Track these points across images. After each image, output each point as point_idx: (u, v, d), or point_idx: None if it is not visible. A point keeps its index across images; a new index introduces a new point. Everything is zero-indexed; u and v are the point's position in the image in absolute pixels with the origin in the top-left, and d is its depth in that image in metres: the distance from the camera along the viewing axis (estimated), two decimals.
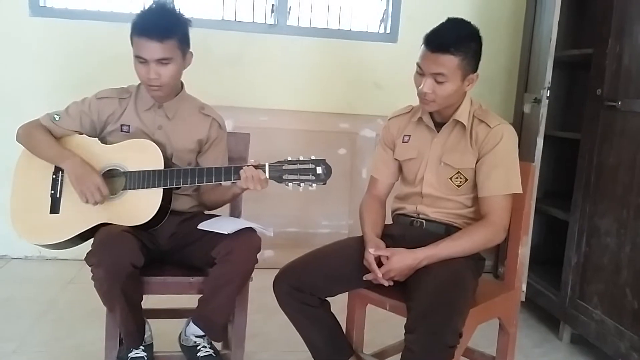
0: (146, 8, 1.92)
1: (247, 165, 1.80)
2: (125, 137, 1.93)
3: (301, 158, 1.81)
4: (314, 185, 1.80)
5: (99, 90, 1.98)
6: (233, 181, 1.83)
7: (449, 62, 1.69)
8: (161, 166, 1.86)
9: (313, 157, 1.81)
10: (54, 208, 1.90)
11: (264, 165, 1.80)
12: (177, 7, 1.94)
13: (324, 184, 1.81)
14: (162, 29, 1.82)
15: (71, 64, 3.21)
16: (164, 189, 1.85)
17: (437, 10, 3.33)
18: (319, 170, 1.79)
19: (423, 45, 1.73)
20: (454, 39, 1.69)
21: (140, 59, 1.84)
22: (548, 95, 2.63)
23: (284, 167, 1.80)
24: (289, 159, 1.81)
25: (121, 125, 1.95)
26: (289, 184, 1.80)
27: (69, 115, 1.94)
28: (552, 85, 2.63)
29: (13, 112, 3.10)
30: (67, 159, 1.87)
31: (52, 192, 1.91)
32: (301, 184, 1.80)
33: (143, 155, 1.88)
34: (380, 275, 1.71)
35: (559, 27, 2.61)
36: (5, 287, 2.90)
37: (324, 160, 1.82)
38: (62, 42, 3.20)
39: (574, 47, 2.84)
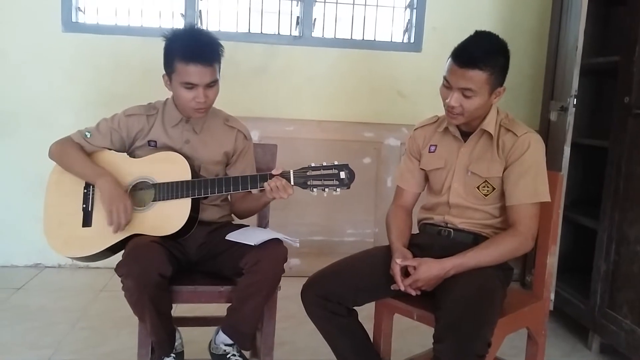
0: (184, 33, 1.92)
1: (271, 174, 1.84)
2: (153, 151, 1.98)
3: (324, 164, 1.84)
4: (338, 189, 1.83)
5: (127, 108, 2.02)
6: (260, 189, 1.86)
7: (477, 77, 1.69)
8: (189, 177, 1.90)
9: (336, 163, 1.84)
10: (87, 221, 1.95)
11: (289, 173, 1.84)
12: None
13: (348, 188, 1.83)
14: (211, 53, 1.87)
15: (103, 78, 3.29)
16: (192, 199, 1.89)
17: (462, 19, 3.37)
18: (343, 174, 1.82)
19: (450, 59, 1.73)
20: (483, 54, 1.68)
21: (188, 85, 1.86)
22: (575, 103, 2.62)
23: (308, 174, 1.83)
24: (313, 165, 1.85)
25: (149, 141, 2.00)
26: (314, 189, 1.83)
27: (100, 133, 1.99)
28: (578, 93, 2.62)
29: (46, 126, 3.22)
30: (101, 177, 1.90)
31: (84, 206, 1.96)
32: (325, 189, 1.83)
33: (171, 167, 1.92)
34: (402, 287, 1.72)
35: (585, 35, 2.59)
36: (39, 296, 2.98)
37: (347, 165, 1.84)
38: (94, 57, 3.29)
39: (600, 54, 2.82)
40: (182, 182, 1.90)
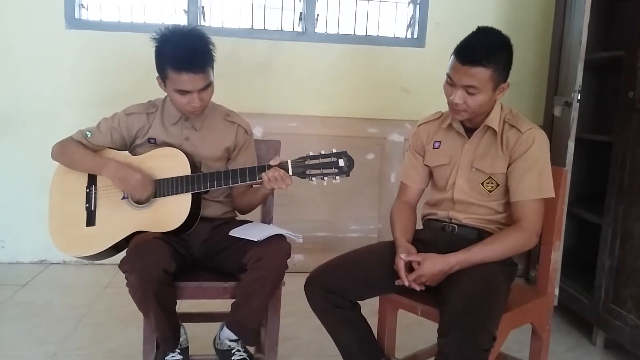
0: (173, 38, 1.87)
1: (269, 165, 1.83)
2: (153, 148, 1.99)
3: (322, 152, 1.83)
4: (337, 178, 1.82)
5: (127, 106, 2.03)
6: (258, 180, 1.86)
7: (481, 74, 1.68)
8: (188, 173, 1.91)
9: (334, 151, 1.83)
10: (90, 221, 1.96)
11: (287, 163, 1.83)
12: (196, 25, 1.93)
13: (347, 175, 1.82)
14: (202, 60, 1.84)
15: (106, 75, 3.29)
16: (192, 194, 1.90)
17: (465, 14, 3.36)
18: (341, 162, 1.81)
19: (453, 57, 1.72)
20: (486, 51, 1.67)
21: (181, 92, 1.86)
22: (579, 98, 2.61)
23: (306, 163, 1.82)
24: (311, 154, 1.83)
25: (149, 138, 2.00)
26: (313, 178, 1.82)
27: (100, 132, 2.00)
28: (582, 88, 2.61)
29: (49, 123, 3.22)
30: (106, 165, 1.93)
31: (87, 205, 1.97)
32: (325, 178, 1.82)
33: (170, 163, 1.93)
34: (407, 283, 1.72)
35: (589, 30, 2.58)
36: (45, 292, 2.99)
37: (346, 152, 1.83)
38: (97, 53, 3.29)
39: (604, 49, 2.81)
40: (181, 177, 1.90)
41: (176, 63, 1.82)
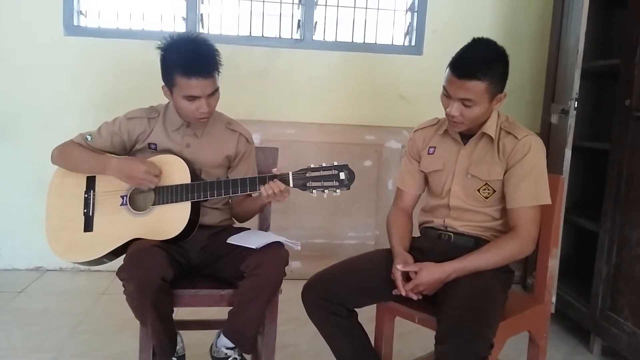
0: (180, 44, 1.87)
1: (271, 175, 1.83)
2: (153, 154, 1.99)
3: (323, 164, 1.83)
4: (338, 190, 1.82)
5: (129, 111, 2.02)
6: (258, 191, 1.86)
7: (477, 88, 1.67)
8: (188, 180, 1.90)
9: (335, 163, 1.83)
10: (88, 226, 1.96)
11: (288, 174, 1.83)
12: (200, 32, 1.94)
13: (348, 189, 1.82)
14: (210, 65, 1.85)
15: (104, 81, 3.30)
16: (192, 202, 1.90)
17: (462, 22, 3.38)
18: (342, 175, 1.81)
19: (449, 70, 1.72)
20: (481, 64, 1.66)
21: (190, 98, 1.86)
22: (576, 106, 2.62)
23: (307, 175, 1.82)
24: (312, 166, 1.84)
25: (149, 144, 2.00)
26: (313, 191, 1.82)
27: (101, 136, 2.00)
28: (579, 96, 2.62)
29: (49, 129, 3.22)
30: (107, 164, 1.93)
31: (85, 210, 1.97)
32: (325, 190, 1.82)
33: (170, 171, 1.93)
34: (404, 292, 1.72)
35: (586, 37, 2.60)
36: (41, 299, 2.98)
37: (347, 165, 1.83)
38: (96, 60, 3.29)
39: (602, 57, 2.82)
40: (181, 185, 1.90)
41: (185, 68, 1.82)
